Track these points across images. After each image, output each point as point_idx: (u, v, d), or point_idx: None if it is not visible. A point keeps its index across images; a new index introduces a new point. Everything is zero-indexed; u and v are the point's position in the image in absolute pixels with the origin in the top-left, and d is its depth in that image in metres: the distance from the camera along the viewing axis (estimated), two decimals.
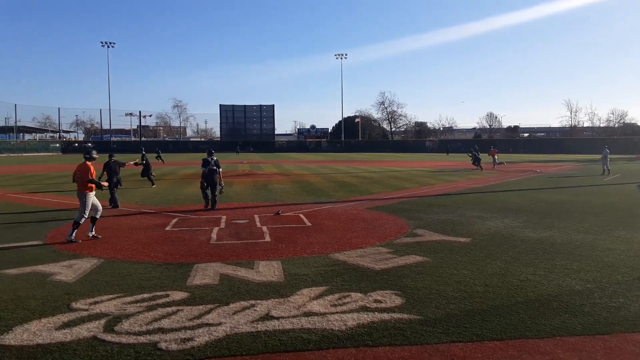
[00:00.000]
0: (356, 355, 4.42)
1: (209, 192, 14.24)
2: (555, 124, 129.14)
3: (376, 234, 10.22)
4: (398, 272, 7.22)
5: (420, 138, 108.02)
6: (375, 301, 5.86)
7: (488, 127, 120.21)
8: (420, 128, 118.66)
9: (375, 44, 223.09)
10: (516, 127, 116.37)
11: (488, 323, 5.16)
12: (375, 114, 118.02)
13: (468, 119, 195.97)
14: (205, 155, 14.56)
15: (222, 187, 14.83)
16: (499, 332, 4.92)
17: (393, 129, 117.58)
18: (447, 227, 10.98)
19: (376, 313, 5.45)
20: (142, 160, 21.92)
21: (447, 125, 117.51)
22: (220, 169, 14.60)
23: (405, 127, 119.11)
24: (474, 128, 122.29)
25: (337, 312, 5.48)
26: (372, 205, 14.93)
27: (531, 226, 11.16)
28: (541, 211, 13.60)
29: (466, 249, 8.84)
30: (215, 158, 14.46)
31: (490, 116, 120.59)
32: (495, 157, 36.31)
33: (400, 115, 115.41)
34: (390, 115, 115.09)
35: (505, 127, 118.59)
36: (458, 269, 7.37)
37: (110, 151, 18.15)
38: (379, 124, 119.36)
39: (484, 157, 34.86)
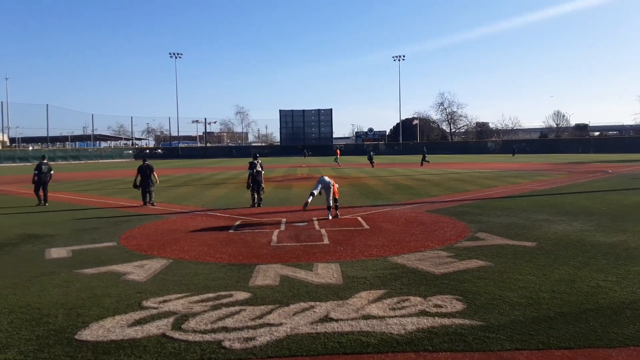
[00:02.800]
0: None
1: (255, 193, 15.79)
2: (628, 121, 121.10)
3: (436, 238, 10.05)
4: (459, 276, 7.08)
5: (482, 139, 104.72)
6: (435, 306, 5.78)
7: (555, 126, 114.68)
8: (482, 128, 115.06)
9: (434, 41, 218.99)
10: (585, 126, 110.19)
11: (555, 331, 4.96)
12: (434, 115, 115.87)
13: (533, 118, 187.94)
14: (251, 159, 16.18)
15: (262, 187, 16.14)
16: (567, 341, 4.71)
17: (453, 130, 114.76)
18: (511, 231, 10.61)
19: (436, 318, 5.38)
20: None
21: (510, 125, 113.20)
22: (263, 171, 16.15)
23: (465, 127, 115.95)
24: (540, 127, 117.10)
25: (396, 316, 5.46)
26: (432, 208, 14.68)
27: (602, 230, 10.56)
28: (613, 214, 12.83)
29: (531, 253, 8.51)
30: (260, 161, 16.00)
31: (558, 114, 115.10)
32: (338, 156, 49.55)
33: (461, 115, 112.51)
34: (450, 116, 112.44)
35: (574, 125, 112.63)
36: (523, 274, 7.12)
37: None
38: (438, 125, 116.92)
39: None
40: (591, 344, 4.65)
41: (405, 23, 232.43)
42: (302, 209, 13.20)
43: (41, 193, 17.54)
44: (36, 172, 17.71)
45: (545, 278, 6.92)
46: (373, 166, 41.73)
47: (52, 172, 18.32)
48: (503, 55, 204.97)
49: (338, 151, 52.19)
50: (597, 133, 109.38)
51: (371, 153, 45.43)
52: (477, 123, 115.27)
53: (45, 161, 18.29)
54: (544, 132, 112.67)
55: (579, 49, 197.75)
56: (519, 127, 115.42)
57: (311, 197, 13.00)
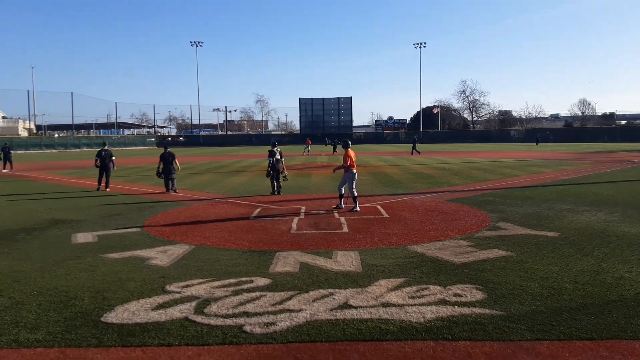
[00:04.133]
0: (435, 349, 4.40)
1: (275, 181, 16.03)
2: None
3: (456, 227, 9.98)
4: (479, 266, 7.03)
5: (505, 127, 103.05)
6: (455, 295, 5.77)
7: (580, 114, 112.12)
8: (505, 117, 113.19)
9: (456, 29, 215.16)
10: (612, 114, 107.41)
11: (577, 322, 4.90)
12: (456, 103, 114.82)
13: (558, 106, 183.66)
14: (270, 147, 16.34)
15: (285, 175, 16.39)
16: (589, 332, 4.66)
17: (475, 119, 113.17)
18: (533, 221, 10.47)
19: (456, 307, 5.36)
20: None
21: (534, 114, 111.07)
22: (283, 159, 16.35)
23: (488, 116, 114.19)
24: (565, 116, 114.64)
25: (415, 304, 5.46)
26: (452, 197, 14.56)
27: (628, 220, 10.34)
28: (639, 204, 12.54)
29: (554, 243, 8.39)
30: (279, 149, 16.17)
31: (583, 103, 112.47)
32: (309, 146, 52.92)
33: (483, 104, 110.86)
34: (471, 104, 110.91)
35: (600, 114, 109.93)
36: (545, 265, 7.04)
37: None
38: (460, 114, 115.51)
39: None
40: (614, 335, 4.59)
41: (428, 10, 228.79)
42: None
43: (103, 181, 18.12)
44: (97, 158, 18.20)
45: (567, 269, 6.83)
46: (334, 153, 46.29)
47: (113, 157, 18.45)
48: (527, 42, 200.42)
49: (309, 141, 57.62)
50: (624, 122, 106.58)
51: (336, 140, 51.06)
52: (499, 111, 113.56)
53: (105, 147, 18.60)
54: (568, 121, 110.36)
55: (606, 37, 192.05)
56: (542, 116, 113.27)
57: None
